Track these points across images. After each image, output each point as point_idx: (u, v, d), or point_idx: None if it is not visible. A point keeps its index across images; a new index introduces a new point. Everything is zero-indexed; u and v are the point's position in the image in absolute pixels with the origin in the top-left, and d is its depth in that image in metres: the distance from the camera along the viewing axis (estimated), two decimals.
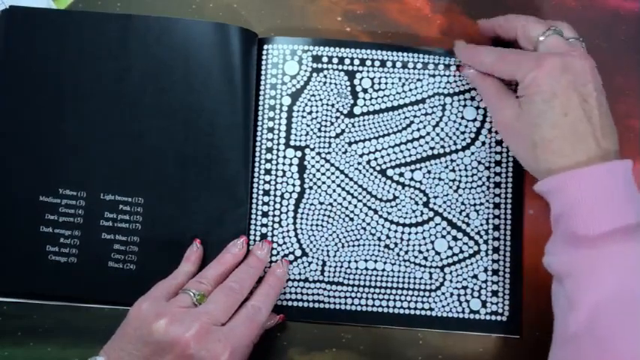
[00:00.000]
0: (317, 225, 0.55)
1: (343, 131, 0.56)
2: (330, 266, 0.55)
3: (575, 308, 0.43)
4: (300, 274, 0.55)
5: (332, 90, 0.56)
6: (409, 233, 0.55)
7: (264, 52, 0.56)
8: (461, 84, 0.56)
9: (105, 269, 0.54)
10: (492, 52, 0.51)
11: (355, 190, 0.56)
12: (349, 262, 0.55)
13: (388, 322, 0.55)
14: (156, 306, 0.46)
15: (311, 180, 0.56)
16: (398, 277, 0.55)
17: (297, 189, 0.56)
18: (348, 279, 0.55)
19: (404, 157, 0.56)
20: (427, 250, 0.55)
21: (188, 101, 0.55)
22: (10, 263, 0.54)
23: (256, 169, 0.56)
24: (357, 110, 0.56)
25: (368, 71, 0.56)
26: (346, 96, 0.55)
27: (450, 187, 0.55)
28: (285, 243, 0.55)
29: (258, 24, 0.58)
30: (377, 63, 0.56)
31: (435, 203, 0.55)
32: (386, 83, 0.56)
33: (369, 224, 0.55)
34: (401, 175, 0.55)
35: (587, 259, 0.44)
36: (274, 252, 0.55)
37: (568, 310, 0.44)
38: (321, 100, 0.56)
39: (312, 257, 0.55)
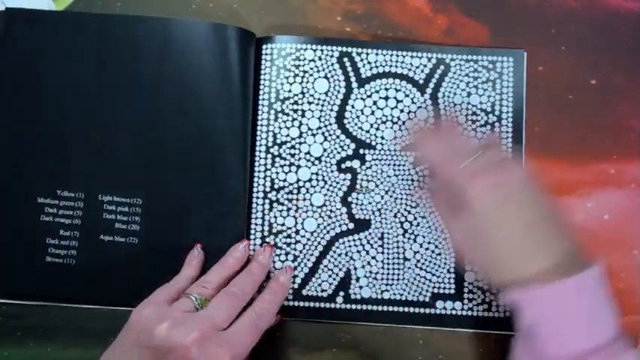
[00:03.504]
0: (317, 226, 0.55)
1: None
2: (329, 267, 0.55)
3: None
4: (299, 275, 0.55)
5: (332, 89, 0.56)
6: (409, 232, 0.55)
7: (264, 52, 0.56)
8: (462, 81, 0.56)
9: (103, 270, 0.54)
10: (437, 151, 0.51)
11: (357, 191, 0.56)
12: (349, 261, 0.55)
13: (388, 322, 0.55)
14: (157, 310, 0.46)
15: (311, 180, 0.56)
16: (398, 276, 0.55)
17: (297, 190, 0.55)
18: (348, 278, 0.55)
19: (405, 153, 0.56)
20: (427, 250, 0.55)
21: (186, 102, 0.55)
22: (8, 264, 0.54)
23: (255, 170, 0.56)
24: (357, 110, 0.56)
25: (367, 70, 0.56)
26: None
27: None
28: (286, 245, 0.55)
29: (258, 24, 0.58)
30: (377, 62, 0.56)
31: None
32: (386, 82, 0.56)
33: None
34: (407, 171, 0.56)
35: None
36: (275, 258, 0.55)
37: None
38: (320, 99, 0.56)
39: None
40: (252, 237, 0.55)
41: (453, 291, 0.55)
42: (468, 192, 0.47)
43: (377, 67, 0.56)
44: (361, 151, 0.56)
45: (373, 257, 0.55)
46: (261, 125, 0.56)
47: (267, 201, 0.55)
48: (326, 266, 0.55)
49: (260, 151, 0.56)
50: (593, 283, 0.44)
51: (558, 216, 0.47)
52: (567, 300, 0.44)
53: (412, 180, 0.56)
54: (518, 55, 0.56)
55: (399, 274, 0.55)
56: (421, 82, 0.56)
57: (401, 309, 0.55)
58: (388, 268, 0.55)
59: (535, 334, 0.45)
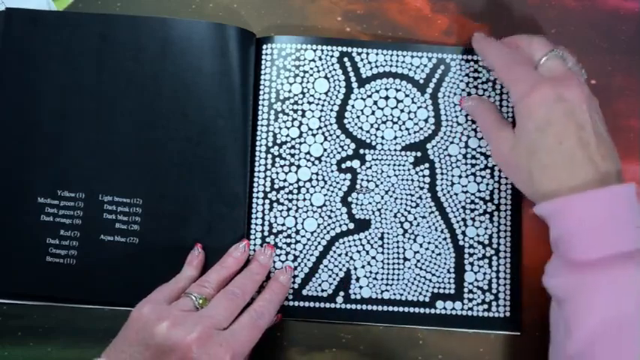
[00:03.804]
0: (317, 226, 0.55)
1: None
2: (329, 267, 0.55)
3: (573, 333, 0.44)
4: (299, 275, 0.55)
5: (333, 89, 0.56)
6: (409, 232, 0.55)
7: (264, 52, 0.56)
8: (462, 81, 0.56)
9: (104, 270, 0.54)
10: (501, 55, 0.51)
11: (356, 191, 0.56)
12: (349, 261, 0.55)
13: (388, 322, 0.55)
14: (158, 309, 0.46)
15: (311, 180, 0.56)
16: (398, 276, 0.55)
17: (297, 190, 0.56)
18: (348, 278, 0.55)
19: (405, 152, 0.56)
20: (427, 250, 0.55)
21: (186, 102, 0.55)
22: (8, 265, 0.54)
23: (255, 170, 0.56)
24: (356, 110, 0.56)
25: (368, 70, 0.56)
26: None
27: (450, 186, 0.55)
28: (286, 245, 0.55)
29: (258, 24, 0.58)
30: (378, 62, 0.56)
31: (435, 201, 0.55)
32: (386, 82, 0.56)
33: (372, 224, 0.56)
34: (407, 171, 0.56)
35: (586, 284, 0.44)
36: (275, 258, 0.55)
37: (565, 335, 0.44)
38: (320, 99, 0.56)
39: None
40: (252, 237, 0.55)
41: (452, 291, 0.55)
42: (528, 101, 0.47)
43: (377, 67, 0.56)
44: (361, 151, 0.56)
45: (373, 257, 0.55)
46: (262, 125, 0.56)
47: (267, 201, 0.56)
48: (326, 266, 0.55)
49: (260, 151, 0.56)
50: (627, 197, 0.45)
51: (610, 139, 0.47)
52: (600, 208, 0.44)
53: (412, 180, 0.56)
54: None
55: (399, 274, 0.55)
56: (421, 81, 0.56)
57: (401, 309, 0.55)
58: (388, 268, 0.55)
59: (564, 241, 0.45)
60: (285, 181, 0.56)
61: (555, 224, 0.46)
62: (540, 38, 0.50)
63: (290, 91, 0.56)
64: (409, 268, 0.55)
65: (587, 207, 0.44)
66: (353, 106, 0.56)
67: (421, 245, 0.55)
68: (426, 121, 0.56)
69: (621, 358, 0.42)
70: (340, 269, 0.55)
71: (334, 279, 0.55)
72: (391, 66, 0.56)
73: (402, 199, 0.56)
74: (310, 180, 0.56)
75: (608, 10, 0.58)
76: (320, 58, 0.56)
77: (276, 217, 0.55)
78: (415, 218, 0.55)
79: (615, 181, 0.46)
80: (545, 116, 0.46)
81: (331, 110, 0.56)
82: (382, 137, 0.56)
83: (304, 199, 0.56)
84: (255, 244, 0.55)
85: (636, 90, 0.57)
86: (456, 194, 0.55)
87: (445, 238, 0.55)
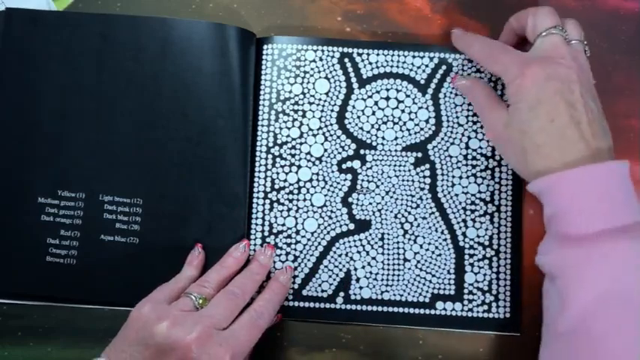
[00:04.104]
0: (317, 226, 0.55)
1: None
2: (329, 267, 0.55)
3: (567, 307, 0.44)
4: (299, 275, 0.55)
5: (333, 90, 0.56)
6: (409, 233, 0.55)
7: (264, 52, 0.56)
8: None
9: (104, 270, 0.54)
10: (484, 47, 0.52)
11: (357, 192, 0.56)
12: (349, 262, 0.55)
13: (388, 323, 0.55)
14: (157, 309, 0.46)
15: (312, 181, 0.56)
16: (398, 277, 0.55)
17: (297, 190, 0.56)
18: (348, 279, 0.55)
19: (406, 153, 0.56)
20: (427, 251, 0.55)
21: (186, 102, 0.55)
22: (9, 265, 0.54)
23: (256, 171, 0.56)
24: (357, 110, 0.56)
25: (368, 70, 0.56)
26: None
27: (451, 186, 0.55)
28: (286, 245, 0.55)
29: (258, 24, 0.58)
30: (379, 62, 0.56)
31: (435, 202, 0.55)
32: (387, 82, 0.56)
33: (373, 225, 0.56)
34: (407, 172, 0.56)
35: (578, 259, 0.44)
36: (275, 258, 0.55)
37: (560, 309, 0.44)
38: (321, 99, 0.56)
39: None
40: (252, 237, 0.55)
41: (452, 292, 0.55)
42: (519, 83, 0.47)
43: (378, 67, 0.56)
44: (362, 151, 0.56)
45: (373, 258, 0.55)
46: (262, 125, 0.56)
47: (267, 201, 0.56)
48: (326, 267, 0.55)
49: (261, 152, 0.56)
50: (619, 173, 0.45)
51: (602, 116, 0.48)
52: (594, 183, 0.45)
53: (413, 180, 0.56)
54: None
55: (399, 275, 0.55)
56: (422, 82, 0.56)
57: (401, 310, 0.55)
58: (388, 269, 0.55)
59: (558, 217, 0.46)
60: (285, 181, 0.56)
61: (548, 201, 0.46)
62: (545, 9, 0.51)
63: (291, 92, 0.56)
64: (409, 268, 0.55)
65: (579, 182, 0.45)
66: (354, 107, 0.56)
67: (421, 246, 0.55)
68: (426, 121, 0.56)
69: (617, 332, 0.42)
70: (340, 270, 0.55)
71: (334, 279, 0.55)
72: (392, 66, 0.56)
73: (402, 199, 0.56)
74: (311, 180, 0.56)
75: (608, 10, 0.58)
76: (321, 59, 0.56)
77: (276, 217, 0.55)
78: (415, 219, 0.55)
79: (607, 157, 0.46)
80: (536, 95, 0.47)
81: (332, 111, 0.56)
82: (383, 138, 0.56)
83: (304, 200, 0.56)
84: (255, 244, 0.55)
85: (636, 90, 0.57)
86: (457, 195, 0.55)
87: (445, 239, 0.55)
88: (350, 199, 0.56)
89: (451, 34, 0.55)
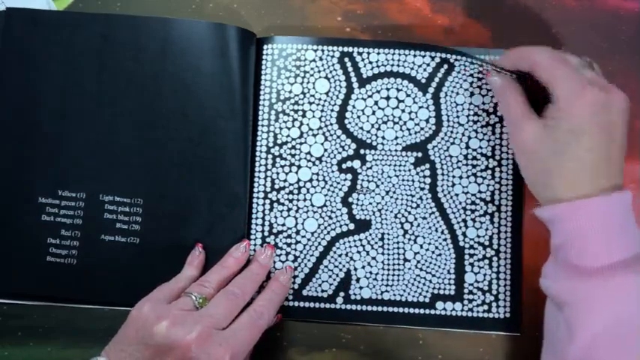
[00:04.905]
0: (317, 226, 0.55)
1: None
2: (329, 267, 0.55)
3: (576, 338, 0.44)
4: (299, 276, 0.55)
5: (333, 89, 0.56)
6: (409, 233, 0.55)
7: (265, 52, 0.56)
8: (466, 81, 0.56)
9: (104, 270, 0.54)
10: (546, 54, 0.49)
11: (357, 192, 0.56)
12: (349, 262, 0.55)
13: (388, 323, 0.55)
14: (157, 308, 0.46)
15: (312, 180, 0.56)
16: (398, 277, 0.55)
17: (297, 190, 0.56)
18: (348, 279, 0.55)
19: (406, 153, 0.56)
20: (427, 251, 0.55)
21: (186, 102, 0.55)
22: (9, 264, 0.54)
23: (256, 171, 0.56)
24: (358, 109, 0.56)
25: (369, 70, 0.56)
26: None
27: (451, 186, 0.55)
28: (286, 245, 0.55)
29: (258, 24, 0.58)
30: (379, 62, 0.56)
31: (436, 202, 0.55)
32: (387, 82, 0.56)
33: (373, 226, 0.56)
34: (407, 171, 0.56)
35: (588, 291, 0.44)
36: (275, 258, 0.55)
37: (568, 339, 0.44)
38: (321, 99, 0.56)
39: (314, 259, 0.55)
40: (252, 237, 0.55)
41: (453, 292, 0.55)
42: (576, 101, 0.46)
43: (378, 66, 0.56)
44: (362, 151, 0.56)
45: (373, 258, 0.55)
46: (262, 125, 0.56)
47: (267, 201, 0.56)
48: (326, 267, 0.55)
49: (261, 152, 0.56)
50: (625, 203, 0.45)
51: (624, 154, 0.47)
52: (602, 214, 0.44)
53: (413, 180, 0.56)
54: None
55: (399, 275, 0.55)
56: (423, 81, 0.56)
57: (401, 310, 0.55)
58: (388, 269, 0.55)
59: (568, 247, 0.45)
60: (285, 181, 0.56)
61: (560, 228, 0.46)
62: (562, 53, 0.49)
63: (290, 92, 0.56)
64: (409, 268, 0.55)
65: (594, 214, 0.44)
66: (354, 107, 0.56)
67: (421, 246, 0.55)
68: (427, 121, 0.56)
69: None
70: (340, 270, 0.55)
71: (334, 279, 0.55)
72: (392, 65, 0.56)
73: (402, 199, 0.56)
74: (311, 180, 0.56)
75: (608, 10, 0.58)
76: (321, 59, 0.56)
77: (276, 217, 0.55)
78: (415, 219, 0.55)
79: (615, 187, 0.46)
80: (587, 120, 0.45)
81: (332, 110, 0.56)
82: (383, 137, 0.56)
83: (305, 200, 0.56)
84: (255, 245, 0.55)
85: (636, 90, 0.57)
86: (457, 195, 0.55)
87: (445, 239, 0.55)
88: (350, 199, 0.56)
89: (506, 52, 0.52)
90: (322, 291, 0.55)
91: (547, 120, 0.47)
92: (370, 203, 0.56)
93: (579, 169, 0.46)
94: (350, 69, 0.56)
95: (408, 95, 0.56)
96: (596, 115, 0.45)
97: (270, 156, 0.56)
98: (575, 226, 0.45)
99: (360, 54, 0.56)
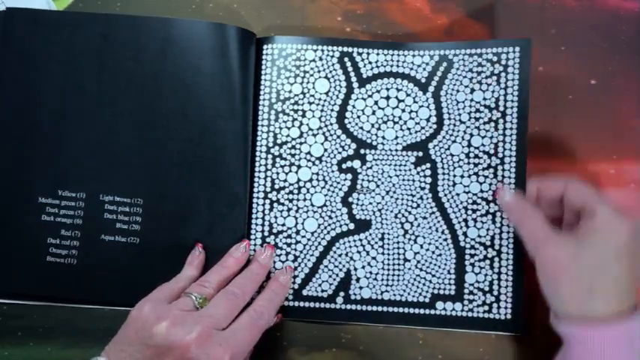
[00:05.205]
0: (317, 226, 0.55)
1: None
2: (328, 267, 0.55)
3: None
4: (299, 276, 0.55)
5: (333, 89, 0.56)
6: (409, 233, 0.55)
7: (264, 52, 0.56)
8: (466, 77, 0.56)
9: (104, 270, 0.54)
10: (561, 180, 0.51)
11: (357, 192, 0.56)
12: (349, 262, 0.55)
13: (388, 323, 0.55)
14: (157, 308, 0.46)
15: (312, 180, 0.56)
16: (398, 277, 0.55)
17: (297, 190, 0.56)
18: (347, 278, 0.55)
19: (407, 152, 0.56)
20: (427, 251, 0.55)
21: (186, 102, 0.55)
22: (9, 264, 0.54)
23: (256, 171, 0.56)
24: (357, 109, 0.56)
25: (368, 70, 0.56)
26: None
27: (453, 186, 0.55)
28: (286, 245, 0.55)
29: (258, 24, 0.58)
30: (379, 62, 0.56)
31: (436, 202, 0.55)
32: (387, 82, 0.56)
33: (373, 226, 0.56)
34: (408, 171, 0.56)
35: None
36: (275, 258, 0.55)
37: None
38: (321, 99, 0.56)
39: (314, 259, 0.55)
40: (252, 237, 0.55)
41: (453, 292, 0.55)
42: (615, 219, 0.47)
43: (378, 66, 0.56)
44: (362, 151, 0.56)
45: (373, 258, 0.55)
46: (262, 125, 0.56)
47: (267, 201, 0.56)
48: (326, 266, 0.55)
49: (261, 152, 0.56)
50: None
51: None
52: (625, 337, 0.45)
53: (413, 180, 0.56)
54: (525, 45, 0.55)
55: (399, 275, 0.55)
56: (423, 80, 0.56)
57: (401, 310, 0.55)
58: (388, 269, 0.55)
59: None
60: (285, 181, 0.56)
61: (581, 346, 0.46)
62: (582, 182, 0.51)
63: (290, 92, 0.56)
64: (409, 268, 0.55)
65: (619, 336, 0.45)
66: (354, 106, 0.56)
67: (422, 246, 0.55)
68: (427, 120, 0.56)
69: None
70: (340, 270, 0.55)
71: (334, 279, 0.55)
72: (392, 66, 0.56)
73: (402, 199, 0.55)
74: (311, 180, 0.56)
75: (608, 10, 0.58)
76: (320, 59, 0.56)
77: (276, 217, 0.55)
78: (416, 219, 0.55)
79: (632, 308, 0.47)
80: (628, 242, 0.46)
81: (332, 110, 0.56)
82: (383, 137, 0.56)
83: (304, 200, 0.56)
84: (255, 245, 0.55)
85: (636, 90, 0.57)
86: (458, 194, 0.55)
87: (446, 239, 0.55)
88: (350, 199, 0.56)
89: (505, 196, 0.53)
90: (322, 291, 0.55)
91: (580, 236, 0.47)
92: (370, 203, 0.56)
93: (617, 288, 0.46)
94: (350, 69, 0.56)
95: (408, 95, 0.56)
96: (634, 237, 0.47)
97: (270, 156, 0.56)
98: (595, 347, 0.45)
99: (360, 54, 0.56)
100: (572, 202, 0.50)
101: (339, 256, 0.55)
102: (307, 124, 0.56)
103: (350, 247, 0.55)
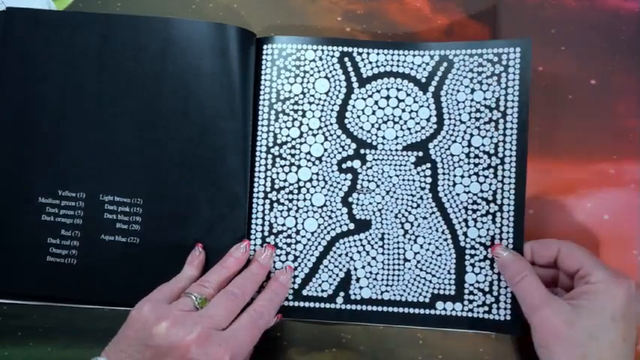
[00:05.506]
0: (317, 226, 0.55)
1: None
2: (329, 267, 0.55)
3: None
4: (299, 275, 0.55)
5: (333, 89, 0.56)
6: (409, 233, 0.55)
7: (264, 52, 0.56)
8: (466, 77, 0.56)
9: (104, 270, 0.54)
10: (569, 242, 0.51)
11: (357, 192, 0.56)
12: (349, 262, 0.55)
13: (388, 323, 0.55)
14: (157, 309, 0.46)
15: (312, 180, 0.56)
16: (398, 277, 0.55)
17: (297, 190, 0.56)
18: (347, 278, 0.55)
19: (407, 152, 0.56)
20: (427, 251, 0.55)
21: (186, 102, 0.55)
22: (9, 264, 0.54)
23: (256, 171, 0.56)
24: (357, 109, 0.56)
25: (368, 69, 0.56)
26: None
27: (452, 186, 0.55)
28: (286, 245, 0.55)
29: (258, 24, 0.58)
30: (379, 62, 0.56)
31: (436, 202, 0.55)
32: (388, 82, 0.56)
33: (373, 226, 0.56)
34: (408, 171, 0.56)
35: None
36: (275, 258, 0.55)
37: None
38: (321, 99, 0.56)
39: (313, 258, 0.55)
40: (252, 237, 0.55)
41: (453, 292, 0.55)
42: (612, 285, 0.47)
43: (378, 66, 0.56)
44: (362, 151, 0.56)
45: (373, 258, 0.55)
46: (262, 125, 0.56)
47: (267, 201, 0.56)
48: (326, 266, 0.55)
49: (260, 152, 0.56)
50: None
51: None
52: None
53: (413, 180, 0.56)
54: (525, 45, 0.55)
55: (399, 275, 0.55)
56: (423, 80, 0.56)
57: (401, 310, 0.55)
58: (388, 269, 0.55)
59: None
60: (285, 181, 0.56)
61: None
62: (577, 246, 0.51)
63: (290, 91, 0.56)
64: (409, 268, 0.55)
65: None
66: (354, 106, 0.56)
67: (422, 246, 0.55)
68: (427, 120, 0.56)
69: None
70: (340, 270, 0.55)
71: (334, 279, 0.55)
72: (392, 65, 0.56)
73: (402, 199, 0.55)
74: (311, 180, 0.56)
75: (608, 10, 0.58)
76: (320, 58, 0.56)
77: (276, 217, 0.55)
78: (416, 219, 0.55)
79: None
80: (625, 308, 0.47)
81: (332, 110, 0.56)
82: (383, 137, 0.56)
83: (304, 200, 0.56)
84: (255, 245, 0.55)
85: (636, 90, 0.57)
86: (458, 194, 0.55)
87: (446, 239, 0.55)
88: (350, 199, 0.56)
89: (503, 256, 0.53)
90: (322, 291, 0.55)
91: (575, 301, 0.48)
92: (370, 203, 0.56)
93: (614, 353, 0.46)
94: (350, 69, 0.56)
95: (409, 94, 0.56)
96: (629, 301, 0.47)
97: (270, 156, 0.56)
98: None
99: (360, 54, 0.56)
100: (567, 265, 0.50)
101: (339, 256, 0.55)
102: (307, 124, 0.56)
103: (350, 247, 0.55)
